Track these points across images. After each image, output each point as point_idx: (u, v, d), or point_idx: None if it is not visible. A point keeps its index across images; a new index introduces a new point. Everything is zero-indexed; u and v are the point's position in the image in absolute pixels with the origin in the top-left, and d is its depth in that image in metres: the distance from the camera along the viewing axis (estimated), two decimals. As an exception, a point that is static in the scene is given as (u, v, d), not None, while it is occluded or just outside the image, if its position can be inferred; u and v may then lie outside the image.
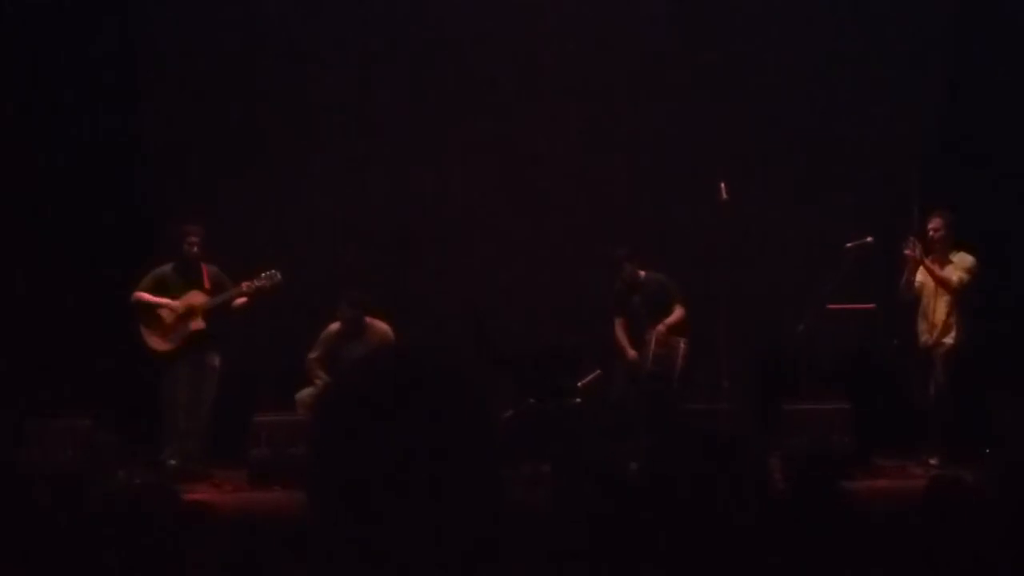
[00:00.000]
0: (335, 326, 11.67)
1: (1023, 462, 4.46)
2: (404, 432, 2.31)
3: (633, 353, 11.54)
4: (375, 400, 2.35)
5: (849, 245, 11.29)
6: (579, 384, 11.55)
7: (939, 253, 11.09)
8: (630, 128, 12.98)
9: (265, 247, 12.18)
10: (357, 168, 12.99)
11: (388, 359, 2.53)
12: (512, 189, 12.96)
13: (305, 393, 11.35)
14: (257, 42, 13.07)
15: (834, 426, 10.70)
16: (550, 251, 12.69)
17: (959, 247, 11.08)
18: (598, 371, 11.62)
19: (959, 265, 11.02)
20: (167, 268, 11.37)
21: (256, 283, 11.30)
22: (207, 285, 11.33)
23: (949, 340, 11.02)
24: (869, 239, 11.27)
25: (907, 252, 11.03)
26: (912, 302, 11.23)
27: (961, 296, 10.99)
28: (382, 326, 11.62)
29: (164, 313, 11.25)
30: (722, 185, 11.45)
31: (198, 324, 11.27)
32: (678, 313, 11.57)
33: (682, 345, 11.41)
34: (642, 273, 11.70)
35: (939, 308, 11.08)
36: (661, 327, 11.45)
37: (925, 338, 11.13)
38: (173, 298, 11.26)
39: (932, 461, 10.76)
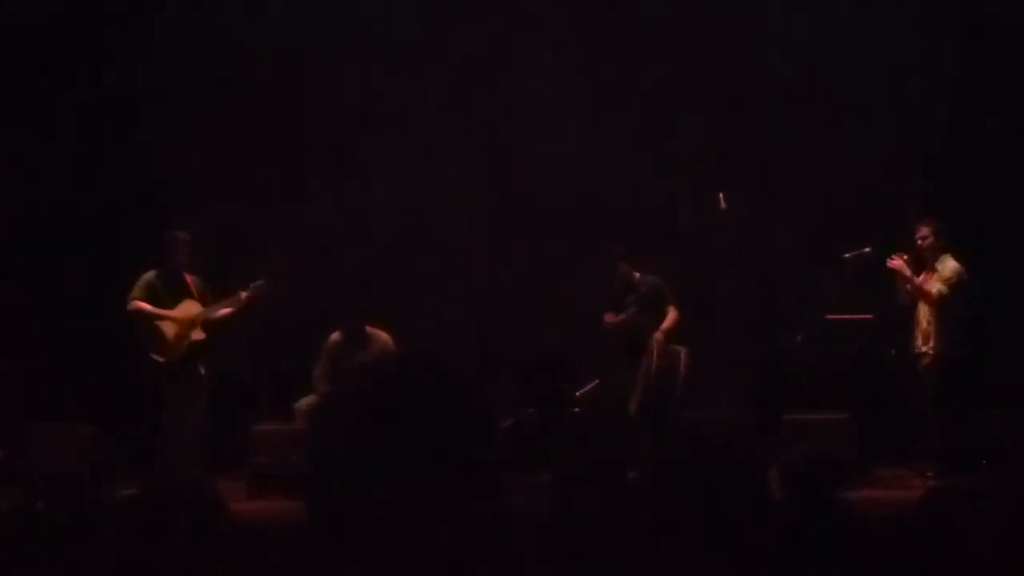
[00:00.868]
0: (336, 335, 11.65)
1: (1020, 473, 4.48)
2: (403, 441, 2.33)
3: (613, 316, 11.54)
4: (374, 410, 2.36)
5: (847, 255, 11.29)
6: (578, 394, 11.56)
7: (929, 261, 11.10)
8: (630, 135, 12.96)
9: (264, 255, 12.19)
10: (356, 174, 12.98)
11: (387, 370, 2.54)
12: (512, 195, 12.96)
13: (304, 402, 11.32)
14: (255, 48, 13.06)
15: (833, 436, 10.70)
16: (550, 258, 12.68)
17: (949, 254, 11.05)
18: (597, 381, 11.62)
19: (940, 275, 10.99)
20: (152, 276, 11.15)
21: (252, 292, 11.25)
22: (194, 294, 11.28)
23: (928, 349, 11.01)
24: (867, 249, 11.26)
25: (889, 263, 11.04)
26: (909, 308, 11.24)
27: (941, 307, 10.97)
28: (383, 335, 11.60)
29: (166, 325, 11.17)
30: (721, 195, 11.46)
31: (199, 335, 11.19)
32: (672, 316, 11.51)
33: (683, 355, 11.39)
34: (636, 274, 11.68)
35: (924, 315, 11.09)
36: (659, 334, 11.40)
37: (915, 345, 11.14)
38: (164, 307, 11.15)
39: (930, 473, 10.75)
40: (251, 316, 11.44)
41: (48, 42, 12.63)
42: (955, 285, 10.95)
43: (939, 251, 11.06)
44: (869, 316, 11.43)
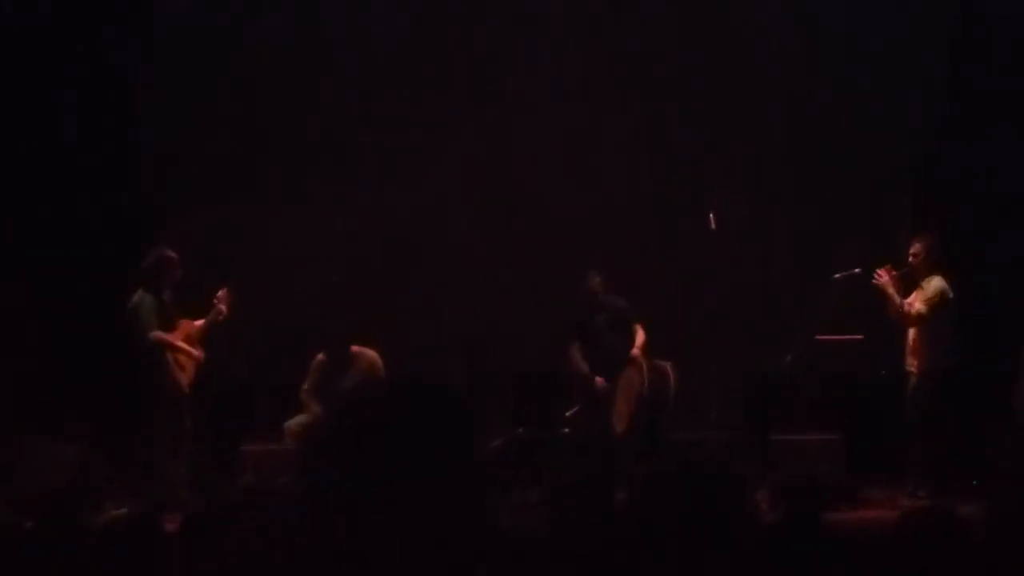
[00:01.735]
0: (321, 356, 11.63)
1: (1013, 493, 4.48)
2: (391, 462, 2.33)
3: (601, 380, 11.50)
4: (363, 432, 2.37)
5: (837, 276, 11.30)
6: (567, 414, 11.56)
7: (918, 278, 11.09)
8: (620, 153, 13.00)
9: (253, 271, 12.18)
10: (345, 191, 12.96)
11: (376, 392, 2.55)
12: (497, 215, 12.97)
13: (293, 422, 11.31)
14: (248, 62, 13.09)
15: (822, 457, 10.70)
16: (541, 275, 12.67)
17: (937, 271, 11.04)
18: (586, 400, 11.61)
19: (923, 294, 10.98)
20: (152, 300, 10.99)
21: (223, 302, 11.20)
22: (173, 312, 11.20)
23: (912, 368, 11.01)
24: (857, 270, 11.27)
25: (875, 280, 11.04)
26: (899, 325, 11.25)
27: (920, 327, 10.97)
28: (369, 354, 11.59)
29: (182, 356, 11.13)
30: (711, 215, 11.48)
31: (200, 353, 11.18)
32: (641, 335, 11.57)
33: (670, 368, 11.42)
34: (602, 296, 11.70)
35: (911, 334, 11.09)
36: (636, 351, 11.46)
37: (905, 363, 11.15)
38: (164, 329, 11.09)
39: (920, 493, 10.75)
40: (231, 333, 11.42)
41: (47, 42, 12.63)
42: (936, 306, 10.90)
43: (927, 269, 11.05)
44: (859, 337, 11.42)
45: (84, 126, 12.62)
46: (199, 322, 11.21)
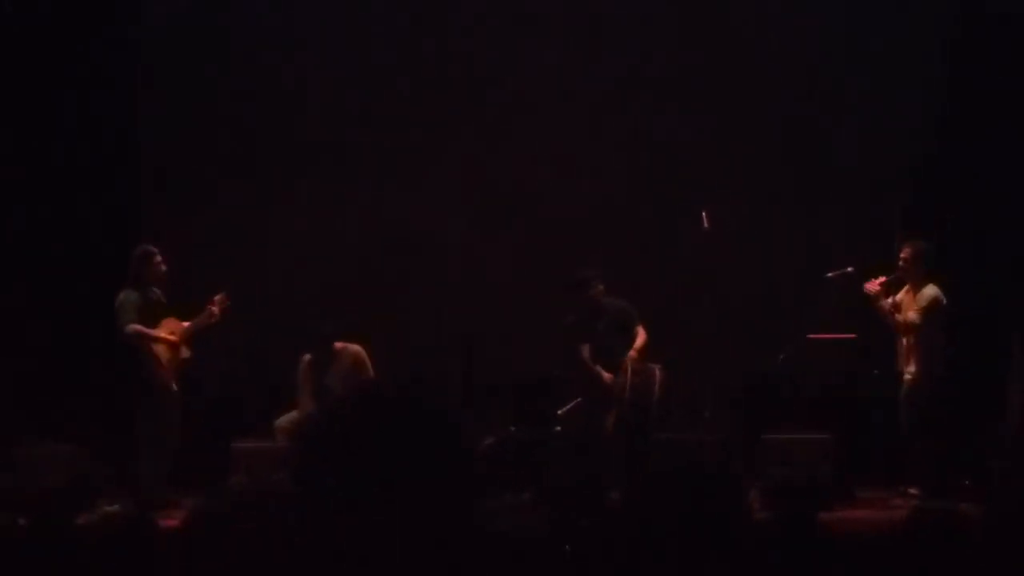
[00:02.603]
0: (307, 357, 11.63)
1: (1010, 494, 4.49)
2: (381, 461, 2.33)
3: (610, 376, 11.49)
4: (354, 430, 2.37)
5: (830, 275, 11.32)
6: (559, 412, 11.55)
7: (910, 282, 11.09)
8: (614, 156, 13.01)
9: (244, 272, 12.19)
10: (339, 194, 12.98)
11: (366, 390, 2.55)
12: (496, 216, 12.97)
13: (284, 420, 11.30)
14: (237, 69, 13.09)
15: (815, 457, 10.69)
16: (530, 278, 12.68)
17: (931, 277, 11.05)
18: (579, 399, 11.61)
19: (917, 302, 10.97)
20: (135, 296, 11.07)
21: (218, 307, 11.26)
22: (160, 309, 11.23)
23: (908, 374, 11.02)
24: (850, 269, 11.29)
25: (865, 288, 11.05)
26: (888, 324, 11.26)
27: (915, 335, 10.97)
28: (354, 348, 11.57)
29: (161, 347, 11.19)
30: (704, 214, 11.48)
31: (186, 352, 11.22)
32: (643, 336, 11.55)
33: (658, 373, 11.39)
34: (603, 299, 11.69)
35: (905, 338, 11.10)
36: (633, 353, 11.43)
37: (898, 364, 11.16)
38: (148, 326, 11.15)
39: (912, 491, 10.77)
40: (221, 332, 11.46)
41: (45, 42, 12.61)
42: (929, 313, 10.91)
43: (920, 275, 11.04)
44: (852, 336, 11.44)
45: (84, 126, 12.60)
46: (187, 323, 11.24)
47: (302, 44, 13.19)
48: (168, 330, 11.17)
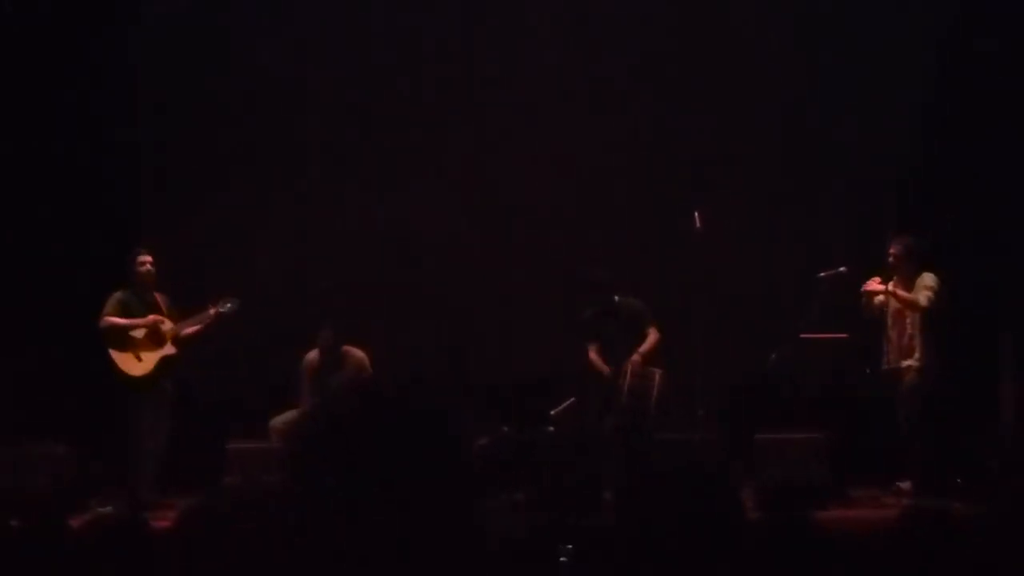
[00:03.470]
0: (312, 355, 11.63)
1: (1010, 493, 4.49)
2: (378, 461, 2.33)
3: (610, 369, 11.49)
4: (349, 430, 2.36)
5: (822, 274, 11.32)
6: (553, 412, 11.54)
7: (899, 277, 11.10)
8: (607, 155, 13.02)
9: (239, 273, 12.20)
10: (339, 194, 12.99)
11: (363, 389, 2.54)
12: (489, 217, 12.98)
13: (279, 420, 11.30)
14: (236, 70, 13.08)
15: (807, 456, 10.69)
16: (525, 278, 12.68)
17: (923, 270, 11.08)
18: (573, 399, 11.60)
19: (921, 285, 11.01)
20: (124, 294, 11.28)
21: (220, 308, 11.32)
22: (164, 312, 11.32)
23: (913, 362, 11.02)
24: (843, 268, 11.30)
25: (864, 287, 11.08)
26: (874, 321, 11.26)
27: (929, 315, 10.99)
28: (358, 353, 11.61)
29: (137, 340, 11.21)
30: (696, 214, 11.47)
31: (169, 350, 11.26)
32: (652, 338, 11.54)
33: (657, 376, 11.36)
34: (616, 297, 11.69)
35: (903, 331, 11.10)
36: (637, 357, 11.40)
37: (887, 362, 11.16)
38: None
39: (903, 486, 10.78)
40: (219, 333, 11.50)
41: (45, 42, 12.62)
42: (939, 292, 10.96)
43: (911, 271, 11.07)
44: (844, 335, 11.44)
45: (83, 126, 12.60)
46: (175, 324, 11.27)
47: (302, 44, 13.19)
48: (151, 323, 11.22)
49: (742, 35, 13.04)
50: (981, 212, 12.32)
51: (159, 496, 10.93)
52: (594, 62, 13.14)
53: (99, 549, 4.17)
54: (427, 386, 2.49)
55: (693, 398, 11.23)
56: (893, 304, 11.13)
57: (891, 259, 11.07)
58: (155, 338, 11.24)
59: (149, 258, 11.29)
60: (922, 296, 10.94)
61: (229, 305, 11.34)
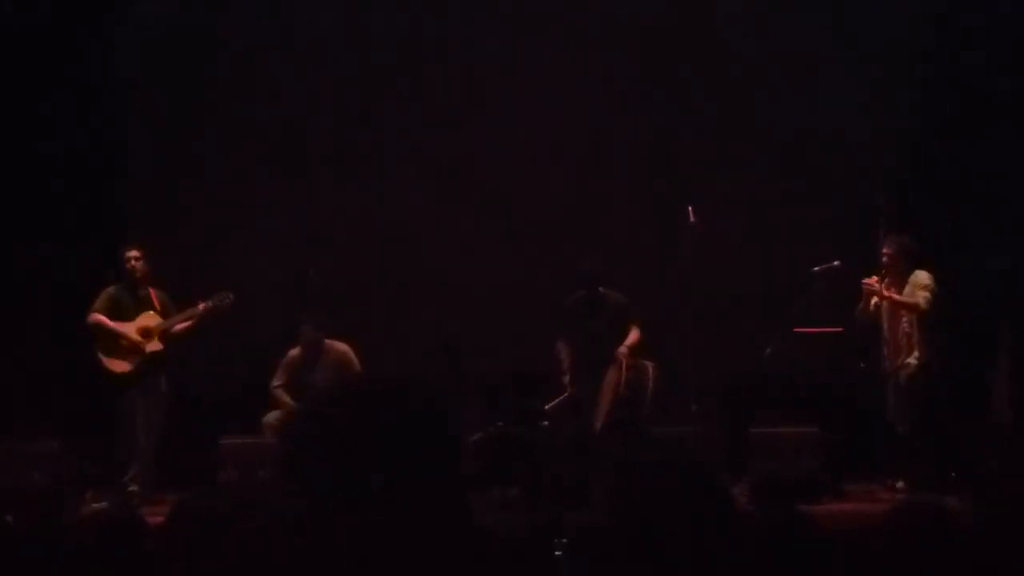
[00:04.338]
0: (295, 351, 11.64)
1: (1005, 489, 4.49)
2: (371, 455, 2.33)
3: (572, 388, 11.52)
4: (342, 425, 2.37)
5: (816, 269, 11.32)
6: (547, 407, 11.54)
7: (893, 277, 11.11)
8: (600, 151, 13.03)
9: (227, 269, 12.21)
10: (323, 191, 13.00)
11: (355, 384, 2.54)
12: (481, 211, 12.98)
13: (272, 416, 11.31)
14: (222, 62, 13.07)
15: (801, 450, 10.71)
16: (519, 273, 12.68)
17: (919, 268, 11.09)
18: (567, 393, 11.60)
19: (917, 284, 11.02)
20: (115, 289, 11.30)
21: (211, 304, 11.31)
22: (157, 307, 11.32)
23: (912, 360, 11.04)
24: (836, 263, 11.30)
25: (865, 283, 11.09)
26: (869, 327, 11.27)
27: (925, 314, 10.99)
28: (341, 346, 11.60)
29: (122, 337, 11.20)
30: (690, 208, 11.47)
31: (155, 346, 11.23)
32: (636, 334, 11.52)
33: (651, 369, 11.36)
34: (601, 289, 11.68)
35: (899, 329, 11.11)
36: (624, 349, 11.40)
37: (887, 363, 11.17)
38: (127, 319, 11.21)
39: (898, 484, 10.79)
40: (212, 329, 11.51)
41: (40, 43, 12.61)
42: (935, 291, 10.97)
43: (906, 271, 11.08)
44: (838, 329, 11.45)
45: (79, 126, 12.60)
46: (164, 320, 11.27)
47: (301, 44, 13.18)
48: (140, 324, 11.20)
49: (743, 35, 13.03)
50: (980, 211, 12.32)
51: (153, 492, 10.94)
52: (594, 62, 13.13)
53: (94, 545, 4.17)
54: (423, 382, 2.48)
55: (687, 392, 11.23)
56: (887, 303, 11.14)
57: (885, 259, 11.08)
58: (143, 335, 11.22)
59: (136, 253, 11.25)
60: (921, 298, 10.95)
61: (222, 300, 11.33)
